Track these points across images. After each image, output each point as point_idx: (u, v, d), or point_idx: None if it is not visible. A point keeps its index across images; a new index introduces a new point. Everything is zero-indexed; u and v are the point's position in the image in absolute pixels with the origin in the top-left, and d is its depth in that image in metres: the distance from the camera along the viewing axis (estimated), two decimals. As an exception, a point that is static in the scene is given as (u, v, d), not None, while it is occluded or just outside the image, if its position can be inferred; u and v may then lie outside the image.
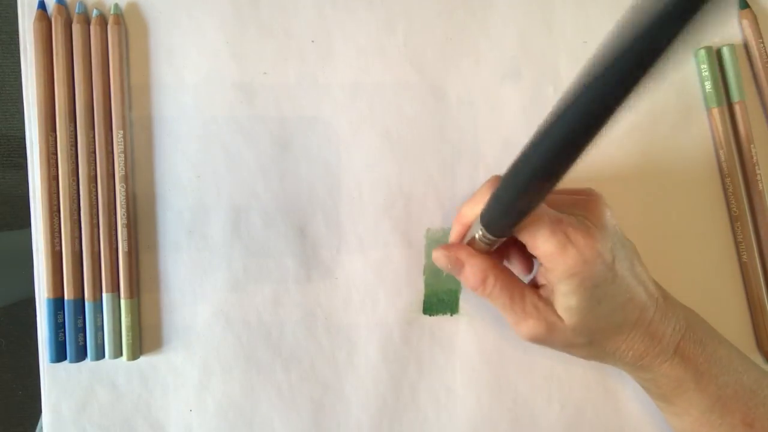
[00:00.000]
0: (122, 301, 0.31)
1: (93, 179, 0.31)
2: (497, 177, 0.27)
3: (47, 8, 0.31)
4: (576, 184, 0.33)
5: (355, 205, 0.33)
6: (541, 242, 0.24)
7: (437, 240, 0.33)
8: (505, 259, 0.30)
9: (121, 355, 0.31)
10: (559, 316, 0.26)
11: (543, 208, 0.25)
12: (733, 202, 0.34)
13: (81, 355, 0.31)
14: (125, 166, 0.31)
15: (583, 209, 0.26)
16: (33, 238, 0.31)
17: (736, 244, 0.34)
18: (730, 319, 0.34)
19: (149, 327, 0.32)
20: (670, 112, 0.35)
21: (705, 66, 0.34)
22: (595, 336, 0.26)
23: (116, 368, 0.32)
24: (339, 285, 0.33)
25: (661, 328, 0.27)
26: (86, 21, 0.31)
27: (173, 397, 0.32)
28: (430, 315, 0.33)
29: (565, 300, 0.25)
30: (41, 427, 0.32)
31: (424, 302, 0.33)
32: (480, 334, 0.33)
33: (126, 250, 0.31)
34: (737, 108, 0.34)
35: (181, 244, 0.32)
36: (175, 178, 0.32)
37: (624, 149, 0.34)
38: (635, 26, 0.14)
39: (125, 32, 0.32)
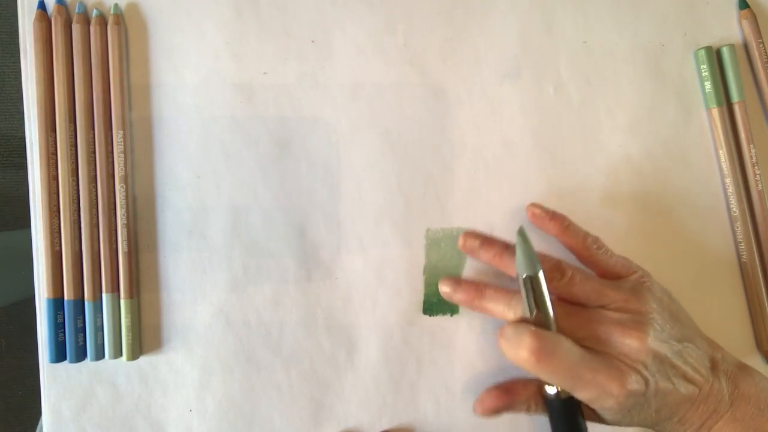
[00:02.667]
0: (122, 301, 0.31)
1: (93, 179, 0.31)
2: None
3: (47, 8, 0.31)
4: (579, 185, 0.33)
5: (355, 205, 0.33)
6: (576, 394, 0.27)
7: (437, 240, 0.33)
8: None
9: (121, 355, 0.31)
10: (599, 416, 0.29)
11: (573, 354, 0.27)
12: (732, 202, 0.34)
13: (81, 355, 0.31)
14: (125, 166, 0.31)
15: (625, 305, 0.28)
16: (33, 238, 0.31)
17: (736, 244, 0.34)
18: (730, 319, 0.34)
19: (149, 327, 0.32)
20: (670, 112, 0.35)
21: (705, 66, 0.34)
22: (634, 426, 0.29)
23: (116, 368, 0.32)
24: (339, 285, 0.33)
25: (710, 401, 0.28)
26: (86, 21, 0.31)
27: (173, 397, 0.32)
28: (430, 315, 0.33)
29: (601, 414, 0.29)
30: (41, 427, 0.33)
31: (424, 302, 0.33)
32: (480, 334, 0.33)
33: (126, 250, 0.31)
34: (737, 108, 0.34)
35: (181, 244, 0.32)
36: (175, 178, 0.32)
37: (623, 149, 0.34)
38: None
39: (125, 32, 0.32)
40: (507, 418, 0.33)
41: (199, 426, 0.32)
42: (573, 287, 0.29)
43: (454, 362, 0.33)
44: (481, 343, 0.33)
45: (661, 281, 0.31)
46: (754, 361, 0.34)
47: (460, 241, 0.32)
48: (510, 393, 0.30)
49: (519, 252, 0.28)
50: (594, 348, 0.28)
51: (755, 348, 0.34)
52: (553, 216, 0.32)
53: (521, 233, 0.28)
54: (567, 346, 0.27)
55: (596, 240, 0.31)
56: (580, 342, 0.27)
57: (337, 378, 0.33)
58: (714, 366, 0.29)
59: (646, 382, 0.27)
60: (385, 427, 0.33)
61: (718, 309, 0.34)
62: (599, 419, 0.29)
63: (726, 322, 0.34)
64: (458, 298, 0.31)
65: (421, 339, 0.33)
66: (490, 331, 0.33)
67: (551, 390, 0.28)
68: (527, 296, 0.27)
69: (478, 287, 0.31)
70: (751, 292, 0.34)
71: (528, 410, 0.30)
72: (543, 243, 0.33)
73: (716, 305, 0.34)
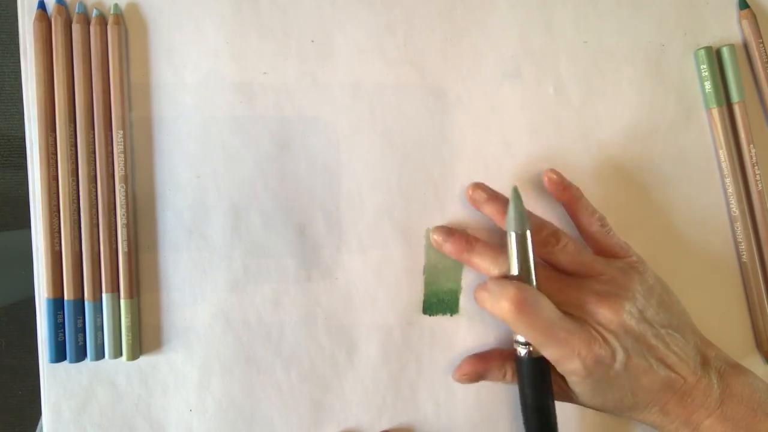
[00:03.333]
0: (122, 301, 0.31)
1: (93, 179, 0.31)
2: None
3: (47, 8, 0.31)
4: (579, 185, 0.33)
5: (355, 205, 0.33)
6: (545, 350, 0.28)
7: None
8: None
9: (121, 355, 0.31)
10: (570, 389, 0.29)
11: (552, 311, 0.27)
12: (732, 202, 0.34)
13: (81, 355, 0.31)
14: (125, 166, 0.31)
15: (610, 279, 0.29)
16: (33, 238, 0.31)
17: (736, 244, 0.34)
18: (730, 319, 0.34)
19: (149, 327, 0.32)
20: (669, 113, 0.35)
21: (705, 66, 0.34)
22: (611, 410, 0.29)
23: (116, 368, 0.32)
24: (339, 285, 0.33)
25: (696, 395, 0.28)
26: (86, 21, 0.31)
27: (173, 397, 0.32)
28: (430, 315, 0.33)
29: (571, 384, 0.29)
30: (41, 427, 0.33)
31: (424, 302, 0.33)
32: (480, 334, 0.33)
33: (126, 250, 0.31)
34: (737, 108, 0.34)
35: (181, 244, 0.32)
36: (175, 178, 0.32)
37: (623, 149, 0.34)
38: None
39: (125, 32, 0.32)
40: (507, 419, 0.33)
41: (199, 426, 0.32)
42: (565, 255, 0.30)
43: (454, 362, 0.33)
44: (481, 343, 0.33)
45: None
46: (754, 360, 0.34)
47: (468, 191, 0.32)
48: (486, 360, 0.32)
49: (511, 209, 0.28)
50: (569, 313, 0.28)
51: (755, 348, 0.34)
52: (568, 186, 0.32)
53: (515, 191, 0.29)
54: (546, 303, 0.27)
55: (602, 218, 0.32)
56: (557, 306, 0.28)
57: (337, 378, 0.33)
58: (705, 362, 0.29)
59: (614, 351, 0.27)
60: (385, 427, 0.33)
61: (718, 309, 0.34)
62: (570, 398, 0.30)
63: (726, 322, 0.34)
64: (448, 248, 0.32)
65: (421, 339, 0.33)
66: (490, 332, 0.33)
67: (522, 350, 0.29)
68: (513, 253, 0.28)
69: (468, 240, 0.31)
70: (751, 292, 0.34)
71: (504, 378, 0.31)
72: (545, 213, 0.33)
73: (716, 305, 0.34)
